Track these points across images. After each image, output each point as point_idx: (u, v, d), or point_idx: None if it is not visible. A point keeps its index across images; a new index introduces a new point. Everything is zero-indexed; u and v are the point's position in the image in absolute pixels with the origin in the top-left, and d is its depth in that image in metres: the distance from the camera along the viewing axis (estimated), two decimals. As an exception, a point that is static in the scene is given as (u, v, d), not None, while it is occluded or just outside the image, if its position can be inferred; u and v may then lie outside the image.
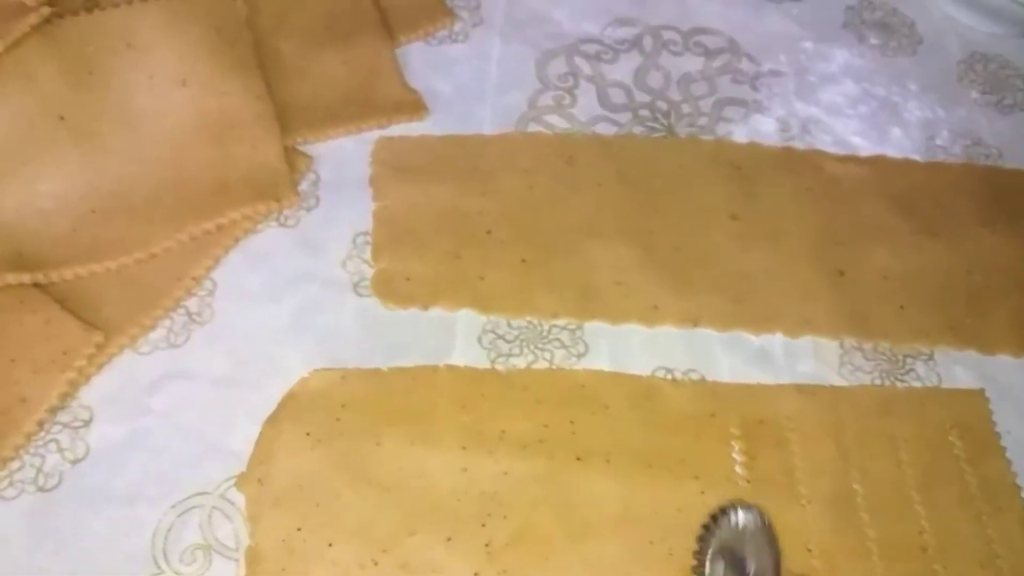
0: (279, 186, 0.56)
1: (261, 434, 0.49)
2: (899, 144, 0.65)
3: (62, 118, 0.54)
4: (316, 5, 0.65)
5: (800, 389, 0.53)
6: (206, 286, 0.54)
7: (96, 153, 0.54)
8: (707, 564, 0.45)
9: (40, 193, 0.53)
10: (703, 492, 0.49)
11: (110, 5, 0.57)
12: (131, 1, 0.57)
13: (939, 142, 0.66)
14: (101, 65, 0.55)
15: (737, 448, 0.51)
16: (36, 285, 0.51)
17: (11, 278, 0.50)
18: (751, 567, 0.45)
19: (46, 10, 0.54)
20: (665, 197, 0.60)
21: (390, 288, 0.55)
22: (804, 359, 0.55)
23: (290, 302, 0.54)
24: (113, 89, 0.55)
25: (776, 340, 0.55)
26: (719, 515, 0.47)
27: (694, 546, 0.47)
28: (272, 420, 0.50)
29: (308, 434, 0.49)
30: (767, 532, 0.46)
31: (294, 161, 0.58)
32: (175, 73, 0.56)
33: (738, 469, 0.50)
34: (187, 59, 0.57)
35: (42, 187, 0.53)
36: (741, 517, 0.47)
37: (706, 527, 0.47)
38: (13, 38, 0.52)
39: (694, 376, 0.53)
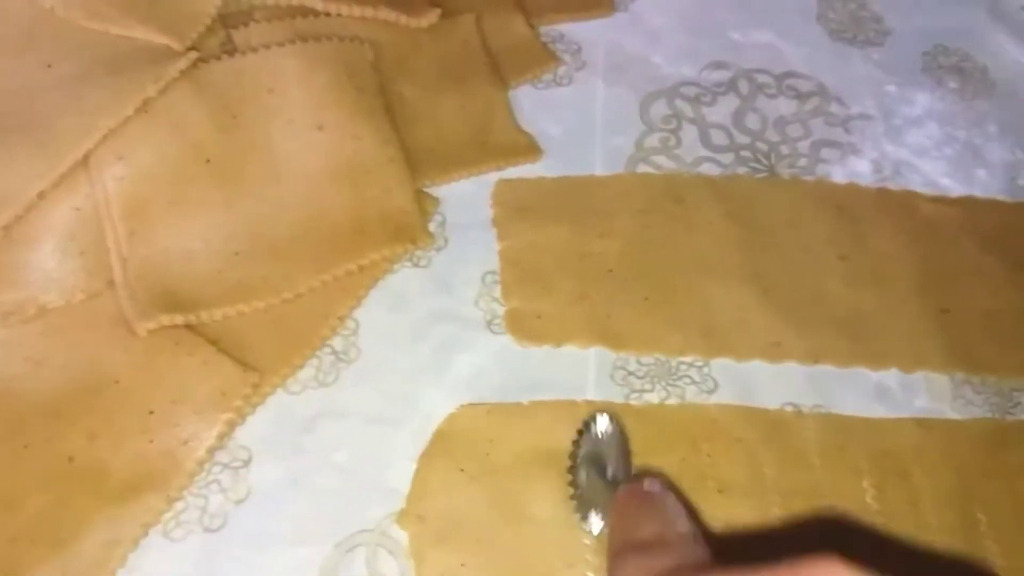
0: (413, 228, 0.56)
1: (417, 471, 0.48)
2: (985, 185, 0.65)
3: (208, 161, 0.53)
4: (431, 50, 0.64)
5: (919, 423, 0.53)
6: (350, 325, 0.53)
7: (240, 196, 0.53)
8: (578, 469, 0.47)
9: (187, 234, 0.52)
10: (839, 522, 0.49)
11: (248, 50, 0.57)
12: (268, 45, 0.57)
13: (1021, 182, 0.66)
14: (244, 110, 0.54)
15: (867, 480, 0.51)
16: (188, 327, 0.50)
17: (165, 319, 0.49)
18: (610, 470, 0.47)
19: (193, 54, 0.54)
20: (774, 236, 0.60)
21: (522, 326, 0.55)
22: (919, 393, 0.54)
23: (430, 340, 0.53)
24: (256, 133, 0.54)
25: (892, 375, 0.55)
26: (584, 427, 0.49)
27: None
28: (425, 456, 0.49)
29: (462, 470, 0.49)
30: (621, 437, 0.49)
31: (423, 203, 0.58)
32: (312, 118, 0.56)
33: (869, 500, 0.50)
34: (323, 104, 0.56)
35: (188, 228, 0.52)
36: (601, 425, 0.49)
37: (575, 441, 0.48)
38: (165, 82, 0.52)
39: (820, 410, 0.53)
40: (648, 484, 0.41)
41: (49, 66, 0.53)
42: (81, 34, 0.54)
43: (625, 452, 0.48)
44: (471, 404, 0.51)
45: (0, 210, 0.48)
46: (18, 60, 0.53)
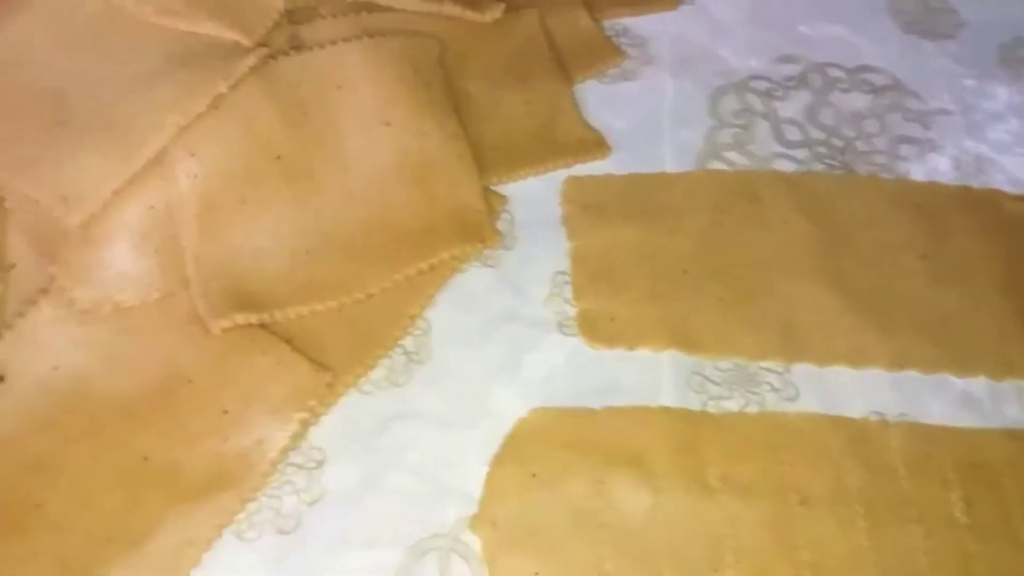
0: (482, 226, 0.54)
1: (489, 475, 0.47)
2: (1071, 182, 0.62)
3: (278, 158, 0.52)
4: (495, 45, 0.62)
5: (1010, 434, 0.50)
6: (421, 326, 0.52)
7: (309, 193, 0.52)
8: None
9: (258, 232, 0.51)
10: (927, 536, 0.46)
11: (315, 45, 0.55)
12: (335, 41, 0.55)
13: (1109, 179, 0.62)
14: (313, 106, 0.53)
15: (955, 493, 0.48)
16: (262, 325, 0.49)
17: (240, 318, 0.48)
18: None
19: (263, 50, 0.53)
20: (853, 236, 0.57)
21: (594, 328, 0.53)
22: (1010, 403, 0.51)
23: (500, 341, 0.52)
24: (325, 130, 0.53)
25: (980, 383, 0.52)
26: None
27: None
28: (497, 460, 0.48)
29: (534, 475, 0.47)
30: None
31: (490, 201, 0.56)
32: (379, 114, 0.54)
33: (958, 514, 0.47)
34: (389, 99, 0.55)
35: (260, 226, 0.51)
36: None
37: None
38: (235, 79, 0.51)
39: (906, 419, 0.50)
40: None
41: (122, 63, 0.52)
42: (152, 31, 0.53)
43: None
44: (542, 408, 0.49)
45: (77, 209, 0.47)
46: (92, 57, 0.52)
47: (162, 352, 0.47)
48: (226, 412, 0.46)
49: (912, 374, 0.52)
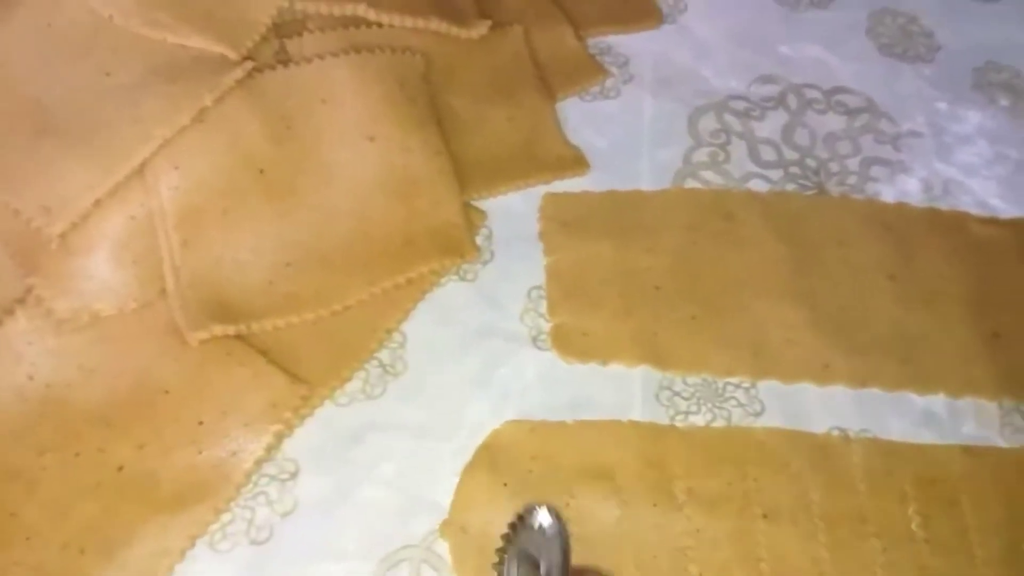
0: (461, 241, 0.55)
1: (460, 484, 0.48)
2: (1036, 206, 0.63)
3: (262, 171, 0.52)
4: (480, 61, 0.63)
5: (967, 451, 0.51)
6: (397, 339, 0.52)
7: (291, 207, 0.53)
8: (507, 562, 0.40)
9: (239, 244, 0.51)
10: (885, 551, 0.47)
11: (302, 59, 0.56)
12: (321, 55, 0.56)
13: (1074, 204, 0.63)
14: (298, 120, 0.54)
15: (913, 508, 0.49)
16: (239, 337, 0.49)
17: (217, 329, 0.49)
18: (544, 566, 0.40)
19: (249, 64, 0.53)
20: (823, 255, 0.58)
21: (568, 343, 0.53)
22: (967, 420, 0.52)
23: (476, 354, 0.52)
24: (309, 144, 0.54)
25: (939, 401, 0.53)
26: (521, 517, 0.41)
27: None
28: (469, 470, 0.48)
29: (505, 485, 0.48)
30: (562, 533, 0.40)
31: (470, 216, 0.56)
32: (364, 129, 0.55)
33: (915, 528, 0.48)
34: (374, 115, 0.55)
35: (241, 238, 0.51)
36: (540, 518, 0.41)
37: (505, 535, 0.41)
38: (221, 92, 0.51)
39: (867, 435, 0.51)
40: None
41: (107, 74, 0.52)
42: (139, 42, 0.53)
43: (564, 549, 0.41)
44: (516, 420, 0.50)
45: (57, 218, 0.48)
46: (77, 68, 0.52)
47: (139, 362, 0.47)
48: (201, 423, 0.46)
49: (874, 391, 0.53)
